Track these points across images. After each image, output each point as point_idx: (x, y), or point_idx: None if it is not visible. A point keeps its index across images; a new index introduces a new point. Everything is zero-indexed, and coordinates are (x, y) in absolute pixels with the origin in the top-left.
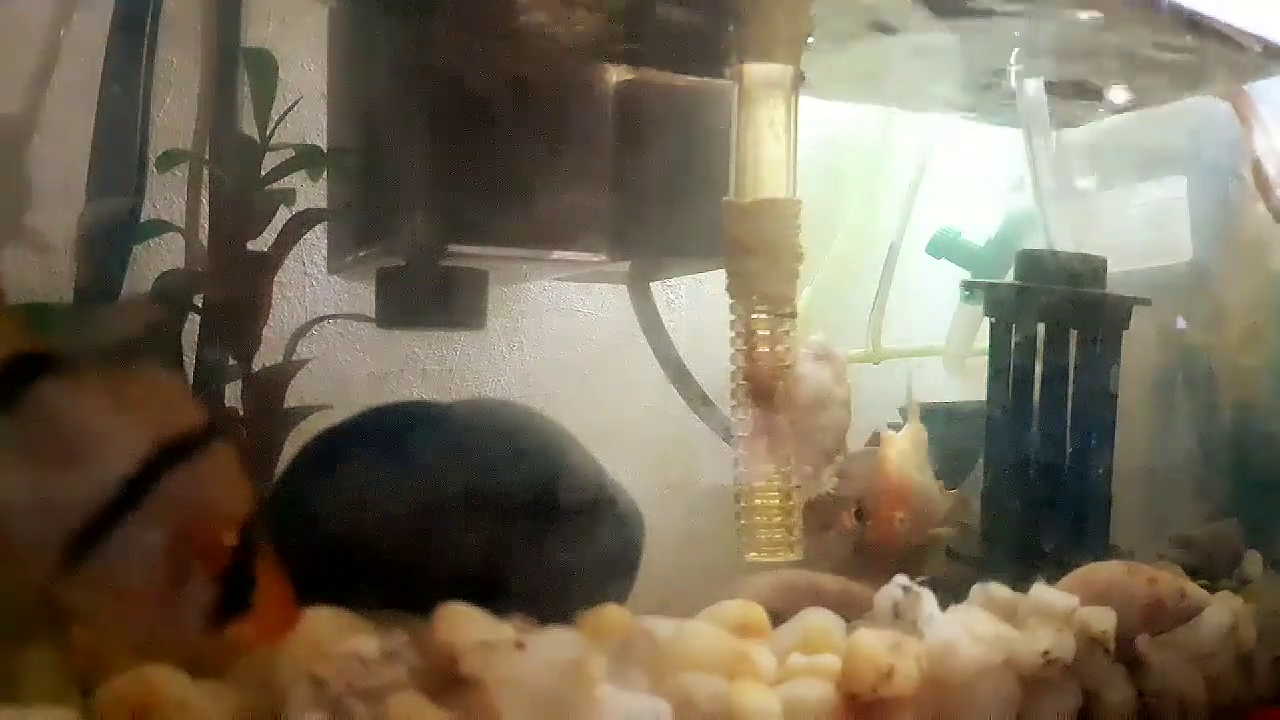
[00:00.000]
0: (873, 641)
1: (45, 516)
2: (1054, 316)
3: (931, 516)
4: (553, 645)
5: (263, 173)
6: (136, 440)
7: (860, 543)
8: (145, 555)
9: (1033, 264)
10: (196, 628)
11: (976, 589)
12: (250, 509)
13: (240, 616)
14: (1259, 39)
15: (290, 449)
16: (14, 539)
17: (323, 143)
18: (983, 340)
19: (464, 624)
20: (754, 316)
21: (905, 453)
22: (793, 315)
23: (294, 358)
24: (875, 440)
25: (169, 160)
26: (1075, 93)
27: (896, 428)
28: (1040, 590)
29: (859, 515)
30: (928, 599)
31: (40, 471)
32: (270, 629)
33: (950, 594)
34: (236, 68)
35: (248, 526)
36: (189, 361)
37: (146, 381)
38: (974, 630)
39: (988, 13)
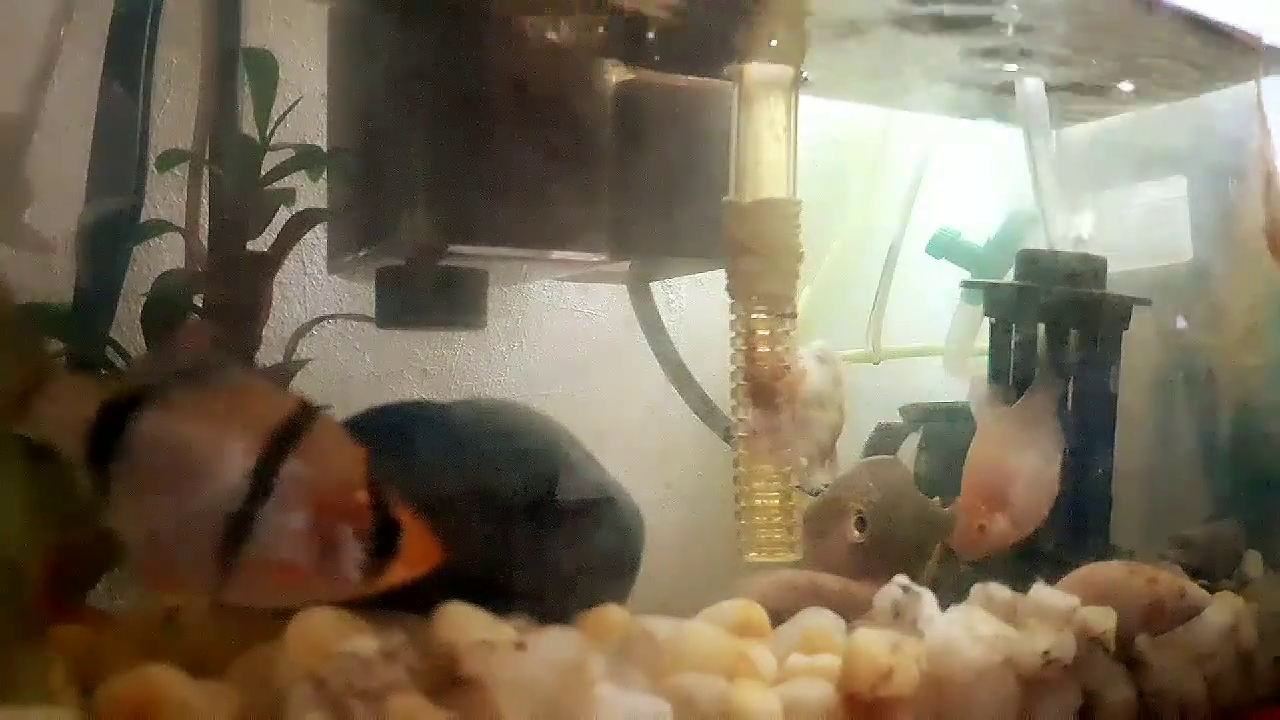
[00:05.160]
0: (873, 641)
1: (191, 530)
2: (1054, 316)
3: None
4: (553, 645)
5: (263, 173)
6: (248, 438)
7: (859, 552)
8: (296, 535)
9: (1033, 264)
10: (359, 582)
11: (976, 589)
12: (368, 463)
13: (393, 560)
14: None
15: None
16: (170, 558)
17: (323, 143)
18: (983, 340)
19: (464, 624)
20: (754, 316)
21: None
22: (793, 315)
23: (294, 358)
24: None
25: (169, 160)
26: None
27: (886, 429)
28: (1040, 590)
29: (860, 525)
30: (928, 599)
31: (172, 493)
32: (423, 562)
33: (950, 594)
34: (236, 68)
35: (374, 480)
36: None
37: (232, 386)
38: (974, 630)
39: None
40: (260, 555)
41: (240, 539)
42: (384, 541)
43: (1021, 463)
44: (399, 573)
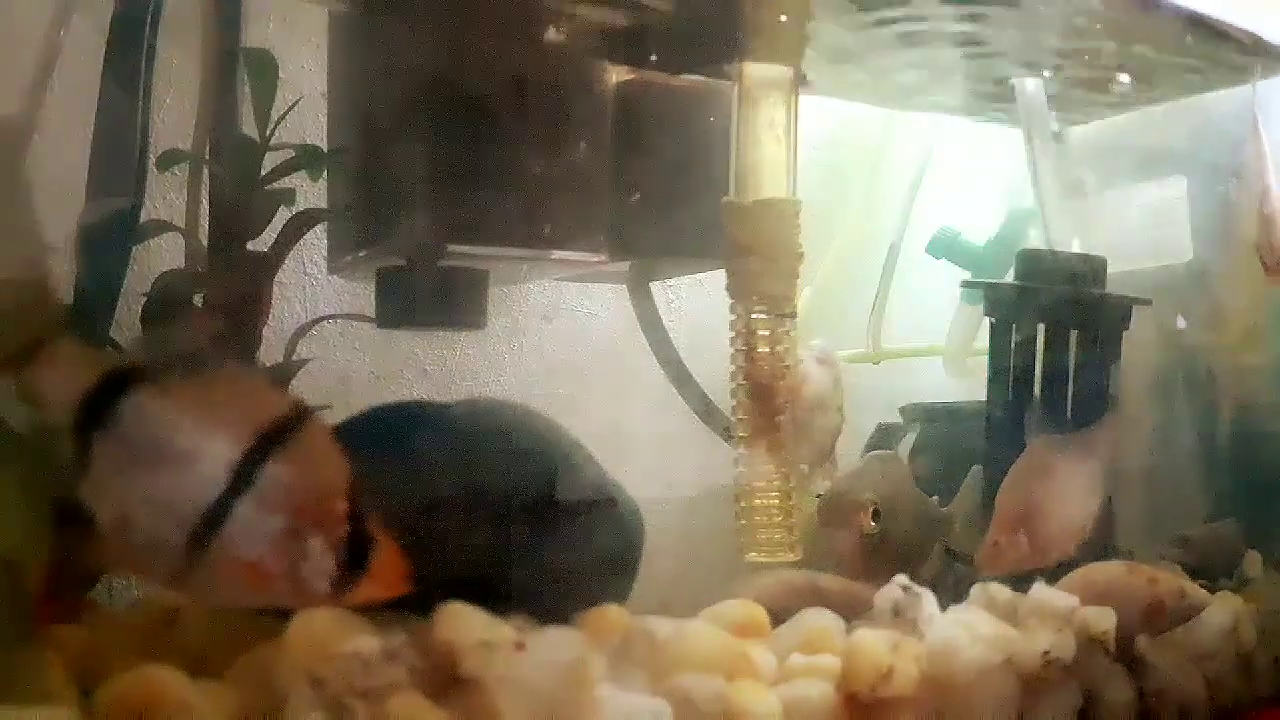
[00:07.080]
0: (873, 641)
1: (163, 514)
2: (1054, 316)
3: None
4: (553, 645)
5: (263, 173)
6: (236, 432)
7: (871, 543)
8: (267, 535)
9: (1033, 264)
10: (324, 593)
11: (976, 589)
12: (352, 477)
13: (360, 576)
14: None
15: None
16: (137, 538)
17: (323, 143)
18: (983, 340)
19: (464, 624)
20: (754, 316)
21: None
22: (793, 315)
23: (294, 358)
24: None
25: (169, 160)
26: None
27: (886, 429)
28: (1040, 590)
29: (875, 516)
30: (928, 599)
31: (152, 474)
32: (390, 584)
33: (950, 594)
34: (236, 68)
35: (354, 493)
36: None
37: (230, 379)
38: (974, 630)
39: None
40: (229, 551)
41: (212, 530)
42: (355, 557)
43: (1060, 495)
44: (365, 591)
